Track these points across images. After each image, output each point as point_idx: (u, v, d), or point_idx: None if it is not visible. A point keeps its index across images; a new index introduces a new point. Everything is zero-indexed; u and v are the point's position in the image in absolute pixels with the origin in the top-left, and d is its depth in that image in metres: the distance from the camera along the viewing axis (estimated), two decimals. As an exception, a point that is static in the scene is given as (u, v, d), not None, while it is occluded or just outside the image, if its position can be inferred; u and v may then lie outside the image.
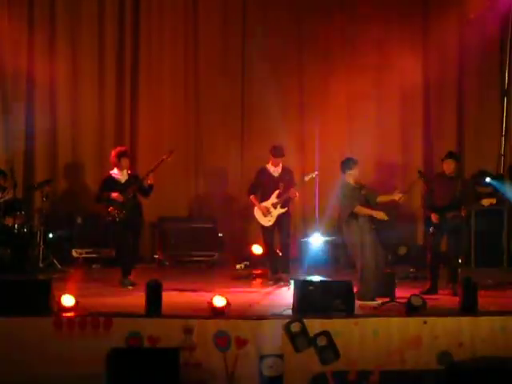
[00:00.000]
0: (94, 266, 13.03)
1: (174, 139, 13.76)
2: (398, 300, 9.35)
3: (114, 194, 11.04)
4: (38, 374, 7.97)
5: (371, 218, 9.91)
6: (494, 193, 13.14)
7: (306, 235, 13.84)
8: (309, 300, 8.66)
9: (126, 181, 11.22)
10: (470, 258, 13.44)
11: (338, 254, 13.54)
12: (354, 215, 9.86)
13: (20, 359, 8.00)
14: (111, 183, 11.19)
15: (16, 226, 12.04)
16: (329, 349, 8.33)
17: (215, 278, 12.00)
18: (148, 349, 8.10)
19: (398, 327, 8.49)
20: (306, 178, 11.81)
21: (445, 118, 14.62)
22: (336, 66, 14.29)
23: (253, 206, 11.73)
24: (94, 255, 13.16)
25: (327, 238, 13.21)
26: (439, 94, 14.63)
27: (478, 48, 14.28)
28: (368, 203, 9.99)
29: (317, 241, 13.10)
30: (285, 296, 9.79)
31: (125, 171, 11.25)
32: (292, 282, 9.64)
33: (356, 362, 8.37)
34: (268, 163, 11.77)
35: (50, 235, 12.89)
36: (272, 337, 8.28)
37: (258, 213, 11.66)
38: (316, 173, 11.81)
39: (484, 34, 14.22)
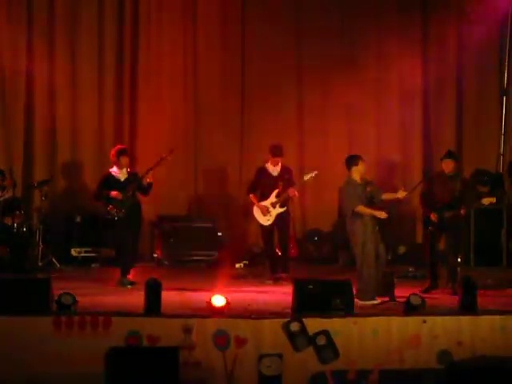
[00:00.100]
0: (93, 265, 13.02)
1: (174, 139, 13.73)
2: (397, 299, 9.35)
3: (114, 193, 11.02)
4: (36, 373, 7.95)
5: (374, 217, 9.89)
6: (494, 192, 13.15)
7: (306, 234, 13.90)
8: (308, 299, 8.65)
9: (126, 179, 11.20)
10: (470, 257, 13.44)
11: (337, 253, 13.59)
12: (358, 213, 9.83)
13: (19, 358, 7.97)
14: (110, 181, 11.17)
15: (15, 225, 12.05)
16: (328, 348, 8.33)
17: (214, 277, 11.97)
18: (147, 348, 8.09)
19: (398, 326, 8.49)
20: (306, 178, 11.80)
21: (444, 117, 14.63)
22: (336, 65, 14.29)
23: (252, 205, 11.73)
24: (93, 254, 13.16)
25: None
26: (439, 93, 14.64)
27: (478, 47, 14.28)
28: (373, 200, 9.95)
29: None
30: (284, 295, 9.78)
31: (124, 169, 11.24)
32: (291, 281, 9.62)
33: (355, 362, 8.37)
34: (267, 162, 11.76)
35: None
36: (271, 336, 8.28)
37: (257, 212, 11.66)
38: (315, 172, 11.80)
39: (483, 34, 14.22)
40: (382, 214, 9.84)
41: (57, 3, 13.85)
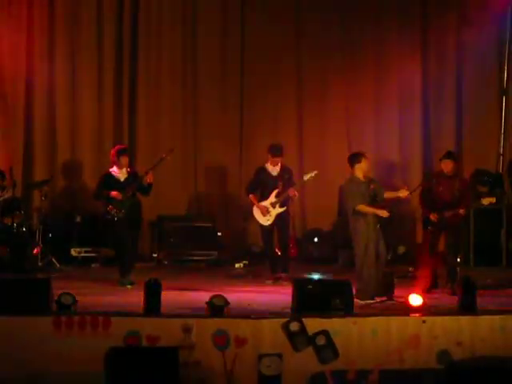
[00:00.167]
0: (93, 265, 13.02)
1: (173, 138, 13.78)
2: (396, 299, 9.36)
3: (114, 193, 11.02)
4: (36, 373, 7.96)
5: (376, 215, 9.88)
6: (494, 192, 13.15)
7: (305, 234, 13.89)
8: (308, 299, 8.65)
9: (126, 179, 11.20)
10: (469, 257, 13.44)
11: (337, 253, 13.58)
12: (360, 212, 9.82)
13: (19, 358, 7.97)
14: (110, 181, 11.16)
15: (15, 225, 12.04)
16: (328, 348, 8.32)
17: (214, 277, 12.00)
18: (147, 348, 8.09)
19: (397, 326, 8.48)
20: (306, 178, 11.80)
21: (443, 117, 14.61)
22: (335, 66, 14.30)
23: (252, 205, 11.73)
24: (93, 254, 13.16)
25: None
26: (438, 93, 14.63)
27: (477, 47, 14.27)
28: (376, 198, 9.93)
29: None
30: (284, 295, 9.78)
31: (124, 169, 11.23)
32: (291, 281, 9.63)
33: (355, 362, 8.36)
34: (267, 162, 11.76)
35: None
36: (271, 336, 8.28)
37: (256, 212, 11.66)
38: (315, 172, 11.80)
39: (483, 34, 14.21)
40: (384, 213, 9.81)
41: (57, 3, 13.85)
